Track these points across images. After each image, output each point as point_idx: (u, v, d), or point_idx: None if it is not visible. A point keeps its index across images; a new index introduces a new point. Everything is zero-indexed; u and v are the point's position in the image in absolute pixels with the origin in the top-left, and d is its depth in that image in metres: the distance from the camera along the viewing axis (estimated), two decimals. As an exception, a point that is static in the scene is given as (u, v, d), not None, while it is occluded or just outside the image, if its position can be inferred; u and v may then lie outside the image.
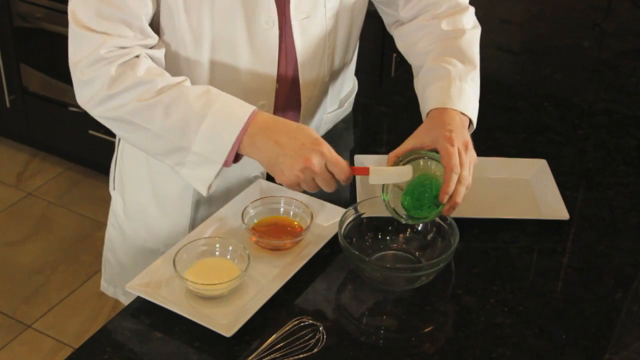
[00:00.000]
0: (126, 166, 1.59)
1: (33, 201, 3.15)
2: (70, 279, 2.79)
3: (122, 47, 1.30)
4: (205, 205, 1.54)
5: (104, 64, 1.29)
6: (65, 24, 1.34)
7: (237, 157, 1.31)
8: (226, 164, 1.30)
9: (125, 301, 1.68)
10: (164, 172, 1.47)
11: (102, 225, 1.68)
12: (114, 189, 1.65)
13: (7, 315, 2.65)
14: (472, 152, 1.32)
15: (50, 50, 3.01)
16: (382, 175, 1.28)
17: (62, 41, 1.32)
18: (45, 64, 3.07)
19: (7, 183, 3.24)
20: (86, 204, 3.12)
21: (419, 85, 1.46)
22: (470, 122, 1.39)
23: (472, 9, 1.51)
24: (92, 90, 1.31)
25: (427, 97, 1.40)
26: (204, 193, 1.33)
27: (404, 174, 1.28)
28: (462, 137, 1.31)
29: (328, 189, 1.29)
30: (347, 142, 1.68)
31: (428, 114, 1.38)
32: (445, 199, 1.27)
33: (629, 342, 1.23)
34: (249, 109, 1.30)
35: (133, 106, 1.30)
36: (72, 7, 1.31)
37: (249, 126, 1.28)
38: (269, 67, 1.43)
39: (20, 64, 3.12)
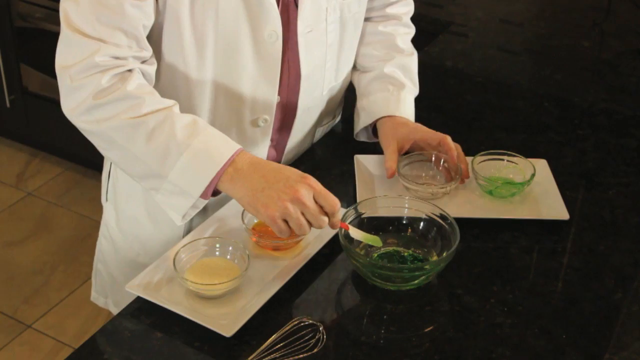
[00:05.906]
0: (119, 179, 1.56)
1: (33, 201, 3.15)
2: (70, 279, 2.79)
3: (117, 57, 1.26)
4: (200, 215, 1.50)
5: (96, 72, 1.25)
6: (65, 24, 1.29)
7: (215, 192, 1.28)
8: (204, 197, 1.27)
9: (117, 312, 1.66)
10: None
11: (102, 225, 1.69)
12: (107, 200, 1.63)
13: (7, 315, 2.65)
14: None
15: (50, 50, 2.98)
16: (358, 235, 1.32)
17: (62, 41, 1.31)
18: (45, 64, 3.06)
19: (7, 183, 3.24)
20: (86, 204, 3.12)
21: (371, 86, 1.59)
22: None
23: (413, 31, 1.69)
24: (79, 97, 1.27)
25: (380, 102, 1.57)
26: (178, 222, 1.31)
27: (375, 241, 1.33)
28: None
29: (317, 224, 1.24)
30: (347, 142, 1.67)
31: (381, 119, 1.55)
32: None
33: (629, 342, 1.23)
34: (234, 147, 1.27)
35: (116, 122, 1.25)
36: (65, 7, 1.27)
37: (235, 161, 1.25)
38: (272, 81, 1.42)
39: (20, 64, 3.11)
